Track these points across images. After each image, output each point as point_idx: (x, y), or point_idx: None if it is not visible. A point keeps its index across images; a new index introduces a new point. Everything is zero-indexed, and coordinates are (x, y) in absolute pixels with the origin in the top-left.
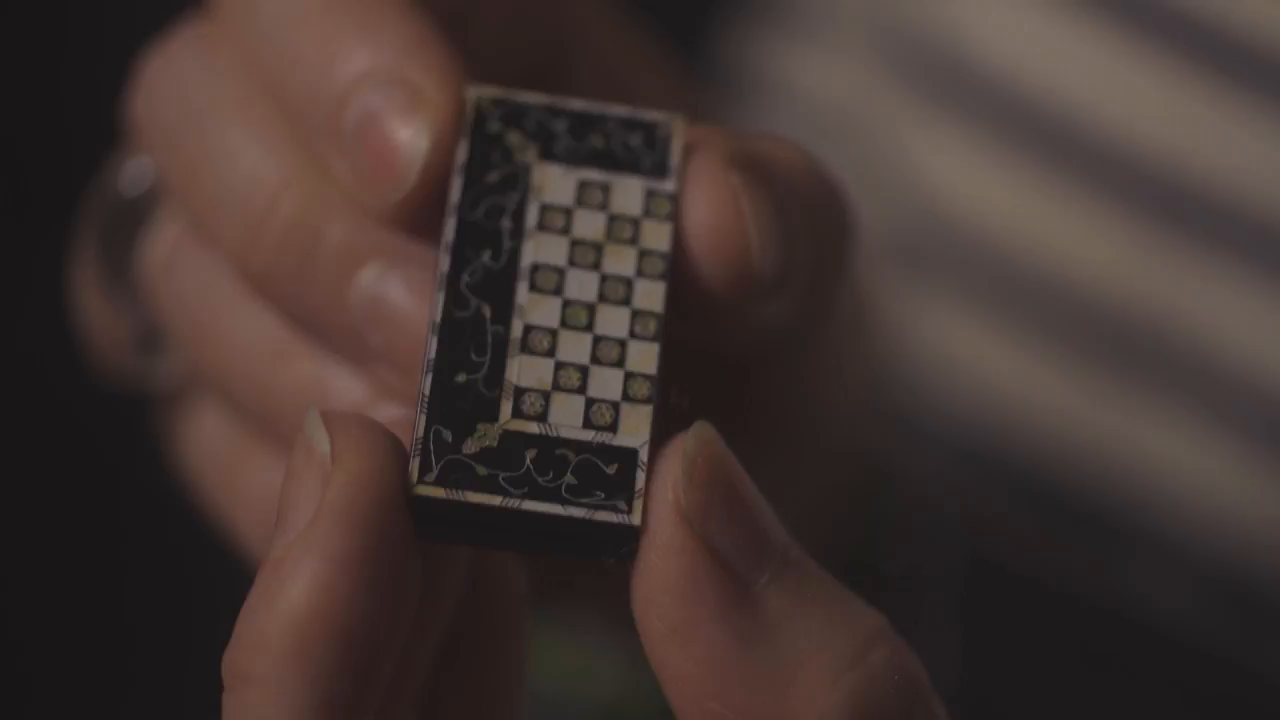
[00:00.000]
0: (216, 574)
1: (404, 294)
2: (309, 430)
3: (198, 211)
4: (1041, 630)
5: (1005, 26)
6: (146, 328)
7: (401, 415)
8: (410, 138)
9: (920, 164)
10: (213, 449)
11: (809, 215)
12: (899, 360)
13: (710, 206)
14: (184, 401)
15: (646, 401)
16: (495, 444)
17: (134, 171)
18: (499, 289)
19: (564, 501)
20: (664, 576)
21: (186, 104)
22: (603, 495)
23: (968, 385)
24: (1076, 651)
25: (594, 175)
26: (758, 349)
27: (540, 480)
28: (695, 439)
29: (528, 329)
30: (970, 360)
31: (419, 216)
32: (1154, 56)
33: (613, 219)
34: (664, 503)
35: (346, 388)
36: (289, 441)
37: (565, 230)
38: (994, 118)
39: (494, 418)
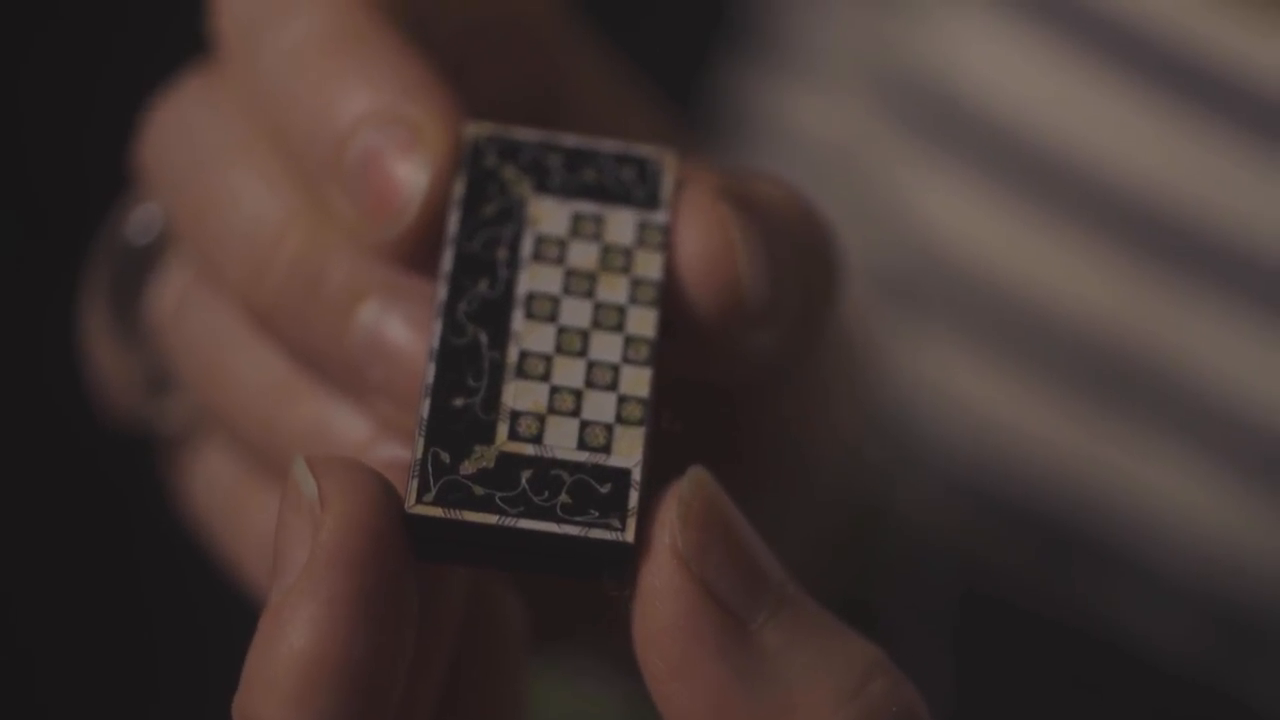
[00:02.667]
0: (226, 613)
1: (403, 329)
2: (296, 477)
3: (204, 253)
4: (1035, 663)
5: (997, 66)
6: (155, 372)
7: (402, 454)
8: (410, 174)
9: (914, 201)
10: (218, 488)
11: (797, 248)
12: (893, 396)
13: (701, 236)
14: (190, 443)
15: (639, 424)
16: (492, 465)
17: (142, 218)
18: (495, 316)
19: (559, 520)
20: (663, 618)
21: (191, 148)
22: (597, 514)
23: (962, 419)
24: (1070, 683)
25: (588, 207)
26: (747, 379)
27: (536, 499)
28: (690, 483)
29: (523, 354)
30: (964, 394)
31: (419, 251)
32: (1143, 95)
33: (606, 249)
34: (662, 547)
35: (349, 426)
36: None
37: (560, 260)
38: (987, 156)
39: (490, 440)
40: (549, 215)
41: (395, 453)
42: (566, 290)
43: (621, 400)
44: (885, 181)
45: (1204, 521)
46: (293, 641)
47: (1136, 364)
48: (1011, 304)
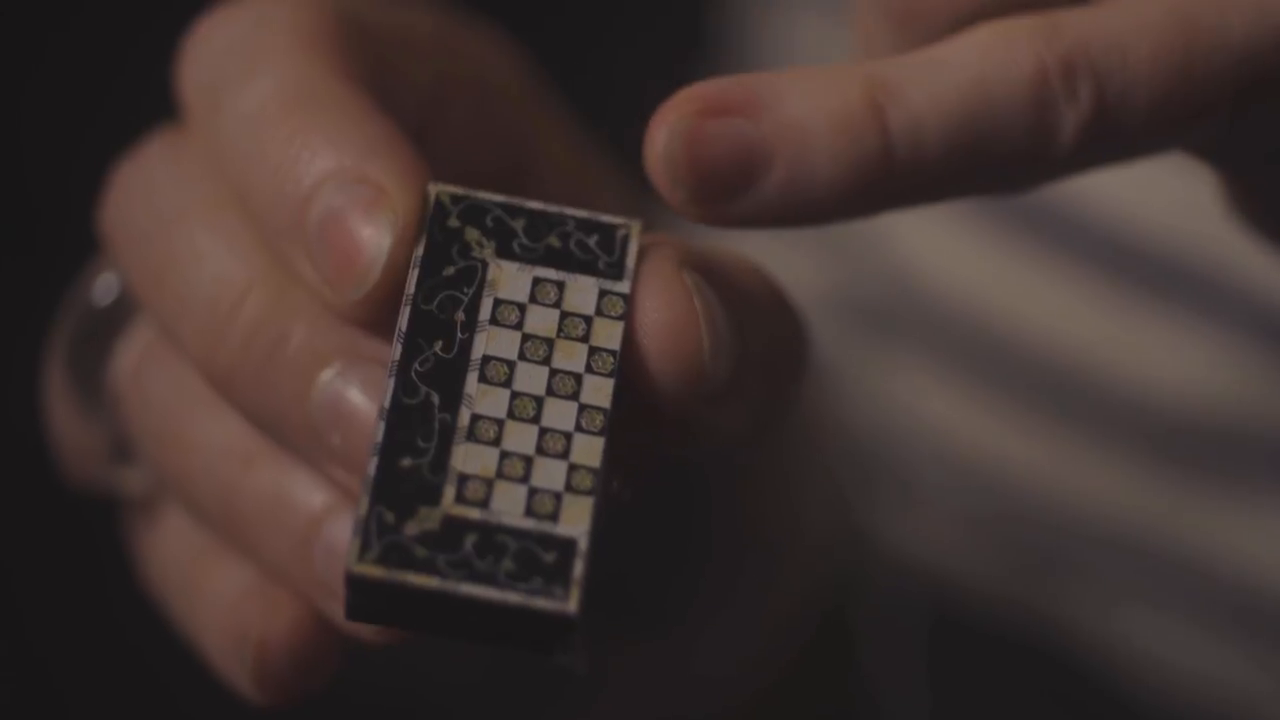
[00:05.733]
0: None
1: (362, 394)
2: None
3: (164, 316)
4: (1011, 685)
5: None
6: (115, 438)
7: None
8: (373, 235)
9: (889, 230)
10: (176, 558)
11: (761, 322)
12: (867, 425)
13: (664, 305)
14: (150, 512)
15: (589, 493)
16: (436, 527)
17: (105, 281)
18: (449, 378)
19: (501, 586)
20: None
21: (153, 209)
22: (541, 582)
23: (937, 446)
24: (1047, 704)
25: (549, 273)
26: (707, 453)
27: (479, 565)
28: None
29: (475, 418)
30: (939, 422)
31: (382, 313)
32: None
33: (565, 316)
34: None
35: (308, 493)
36: (250, 549)
37: (518, 325)
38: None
39: (436, 502)
40: (509, 279)
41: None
42: (523, 356)
43: (572, 469)
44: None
45: (1186, 543)
46: None
47: (1110, 389)
48: (987, 333)
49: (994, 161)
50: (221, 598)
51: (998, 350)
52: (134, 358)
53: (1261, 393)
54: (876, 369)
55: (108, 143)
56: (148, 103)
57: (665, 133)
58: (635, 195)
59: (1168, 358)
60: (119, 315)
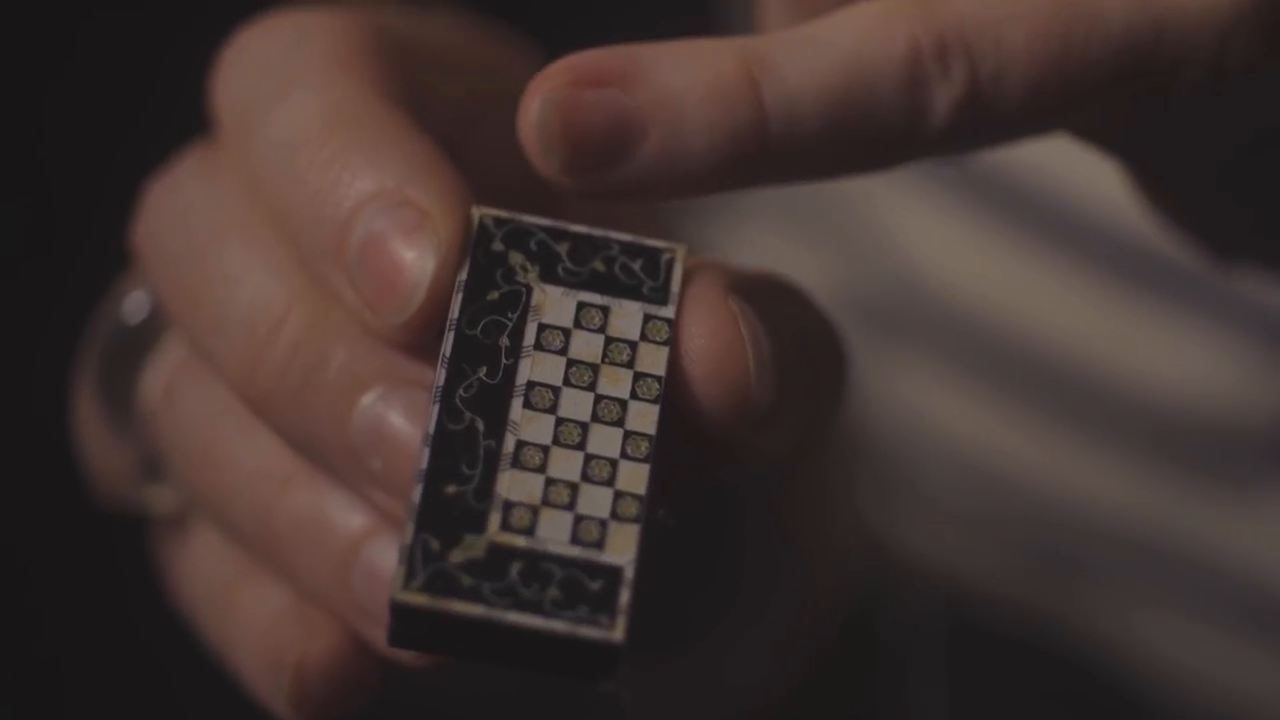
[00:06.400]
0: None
1: (404, 418)
2: None
3: (199, 337)
4: (1027, 689)
5: None
6: (146, 457)
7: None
8: (415, 259)
9: (894, 230)
10: (209, 577)
11: (806, 347)
12: (876, 425)
13: (710, 332)
14: (182, 529)
15: (635, 521)
16: (481, 555)
17: (136, 299)
18: (493, 404)
19: (547, 614)
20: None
21: (189, 229)
22: (586, 610)
23: (944, 446)
24: (1063, 706)
25: (594, 298)
26: (750, 479)
27: (524, 593)
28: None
29: (520, 444)
30: (946, 422)
31: (424, 337)
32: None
33: (610, 341)
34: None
35: (346, 516)
36: (286, 571)
37: (562, 350)
38: (968, 186)
39: (481, 529)
40: (553, 304)
41: (394, 544)
42: (567, 381)
43: (618, 496)
44: (865, 207)
45: (1193, 544)
46: None
47: (1117, 391)
48: (992, 333)
49: (868, 138)
50: (257, 619)
51: (1004, 350)
52: (165, 375)
53: (1266, 390)
54: (883, 369)
55: (138, 158)
56: (177, 117)
57: (539, 102)
58: (665, 209)
59: (1174, 355)
60: (149, 333)
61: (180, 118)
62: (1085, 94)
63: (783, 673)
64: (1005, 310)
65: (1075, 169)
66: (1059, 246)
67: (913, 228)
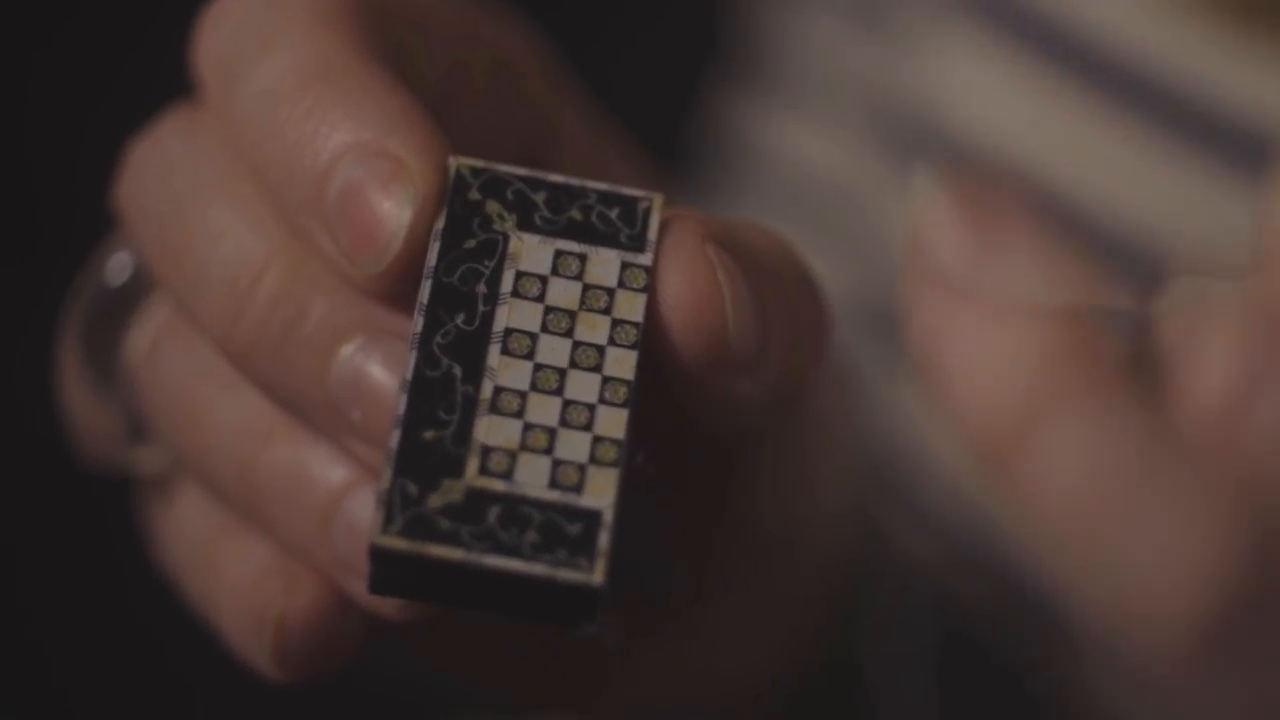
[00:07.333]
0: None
1: (383, 369)
2: None
3: (182, 293)
4: (1018, 709)
5: (987, 99)
6: (130, 418)
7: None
8: (393, 209)
9: (898, 233)
10: (191, 537)
11: (784, 295)
12: (875, 430)
13: (687, 278)
14: (166, 490)
15: (613, 465)
16: (460, 499)
17: (119, 261)
18: (471, 351)
19: (526, 558)
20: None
21: (170, 186)
22: (565, 554)
23: (944, 453)
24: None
25: (571, 246)
26: (731, 428)
27: (503, 536)
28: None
29: (498, 390)
30: (946, 430)
31: (401, 287)
32: (1143, 135)
33: (587, 288)
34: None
35: (328, 468)
36: (268, 526)
37: (540, 298)
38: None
39: (460, 474)
40: (531, 252)
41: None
42: (545, 328)
43: (596, 441)
44: (878, 215)
45: None
46: None
47: None
48: None
49: None
50: (239, 576)
51: None
52: (149, 336)
53: None
54: (891, 372)
55: (116, 125)
56: (157, 85)
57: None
58: (654, 174)
59: None
60: (133, 294)
61: (158, 87)
62: None
63: (769, 675)
64: None
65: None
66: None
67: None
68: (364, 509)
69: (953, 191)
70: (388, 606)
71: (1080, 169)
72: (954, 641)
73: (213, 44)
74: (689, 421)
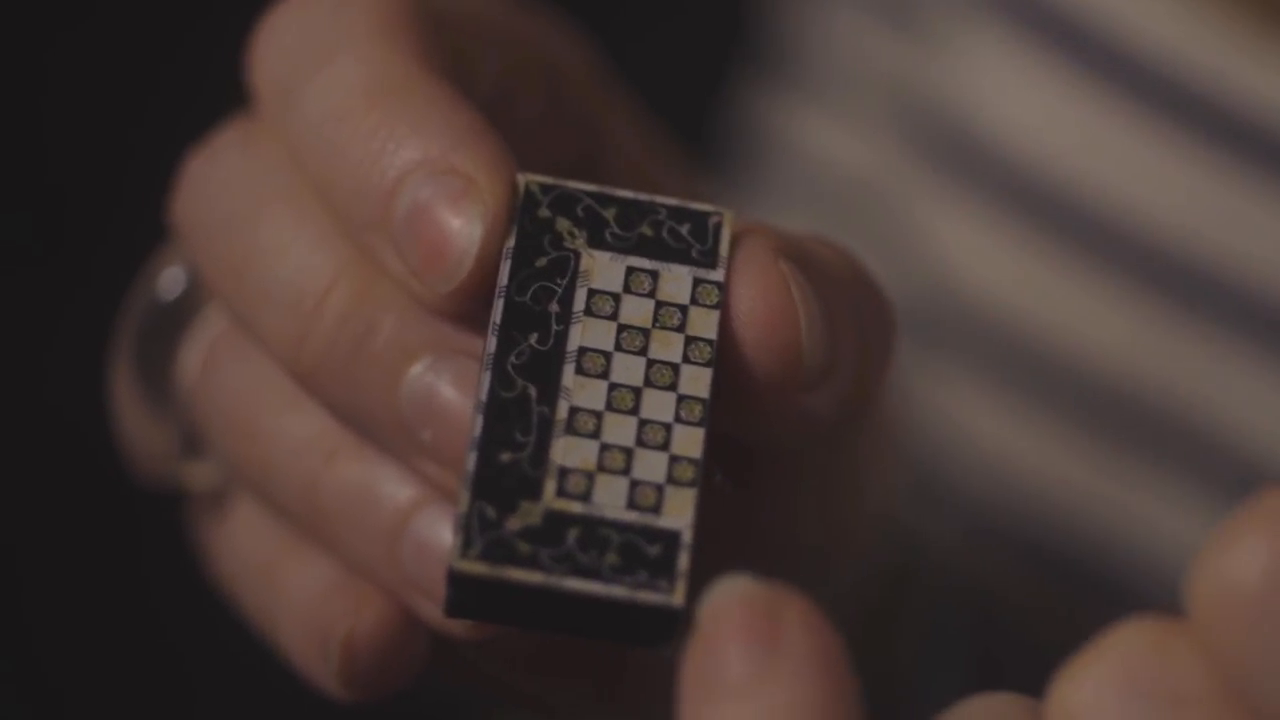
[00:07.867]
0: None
1: (454, 388)
2: None
3: (243, 310)
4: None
5: (1016, 100)
6: (185, 433)
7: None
8: (463, 227)
9: (930, 234)
10: (251, 554)
11: (854, 308)
12: (914, 438)
13: (761, 294)
14: (220, 507)
15: (690, 485)
16: (538, 522)
17: (171, 275)
18: (545, 371)
19: (605, 580)
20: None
21: (230, 201)
22: (646, 575)
23: (976, 455)
24: None
25: (642, 263)
26: (800, 442)
27: (582, 559)
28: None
29: (573, 410)
30: (977, 430)
31: (472, 306)
32: (1168, 136)
33: (660, 305)
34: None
35: (395, 488)
36: (333, 544)
37: (613, 316)
38: (1004, 191)
39: (538, 496)
40: (603, 269)
41: (442, 515)
42: (619, 346)
43: (673, 460)
44: (902, 213)
45: None
46: None
47: (1153, 404)
48: (1027, 340)
49: None
50: (303, 594)
51: (1040, 362)
52: (203, 351)
53: None
54: (920, 378)
55: (162, 138)
56: (202, 98)
57: None
58: (703, 182)
59: (1209, 370)
60: (186, 309)
61: (203, 100)
62: None
63: None
64: (1043, 319)
65: (1119, 179)
66: (1098, 255)
67: (950, 232)
68: (432, 528)
69: (742, 600)
70: (458, 626)
71: (1104, 166)
72: (992, 650)
73: (270, 56)
74: (759, 435)
